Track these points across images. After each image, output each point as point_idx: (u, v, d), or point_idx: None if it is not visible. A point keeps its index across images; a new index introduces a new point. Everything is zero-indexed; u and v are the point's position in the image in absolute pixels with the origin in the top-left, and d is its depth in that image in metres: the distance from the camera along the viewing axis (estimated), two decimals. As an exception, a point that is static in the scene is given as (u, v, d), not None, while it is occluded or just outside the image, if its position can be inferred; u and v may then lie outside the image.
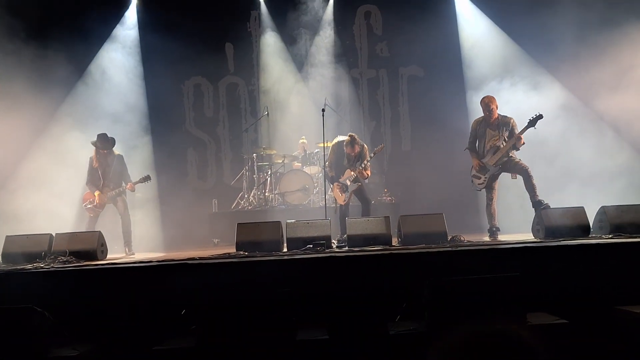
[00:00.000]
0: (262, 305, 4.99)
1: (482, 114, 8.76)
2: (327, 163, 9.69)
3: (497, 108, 8.67)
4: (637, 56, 10.40)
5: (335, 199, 9.67)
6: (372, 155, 9.47)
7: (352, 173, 9.34)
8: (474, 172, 8.82)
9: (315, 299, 5.80)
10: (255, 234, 7.54)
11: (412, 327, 5.08)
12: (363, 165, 9.32)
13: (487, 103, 8.67)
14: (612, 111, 10.49)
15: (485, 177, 8.69)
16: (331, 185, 9.69)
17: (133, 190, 9.55)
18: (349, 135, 9.39)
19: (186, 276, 6.14)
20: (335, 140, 9.72)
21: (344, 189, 9.39)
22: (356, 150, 9.30)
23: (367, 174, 9.45)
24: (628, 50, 10.41)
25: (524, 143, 8.44)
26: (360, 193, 9.49)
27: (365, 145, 9.54)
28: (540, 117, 8.29)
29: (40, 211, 10.25)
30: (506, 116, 8.68)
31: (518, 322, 4.80)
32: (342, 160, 9.47)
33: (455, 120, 11.51)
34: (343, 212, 9.37)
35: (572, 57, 10.67)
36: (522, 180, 8.37)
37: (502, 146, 8.51)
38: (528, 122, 8.32)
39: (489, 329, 1.59)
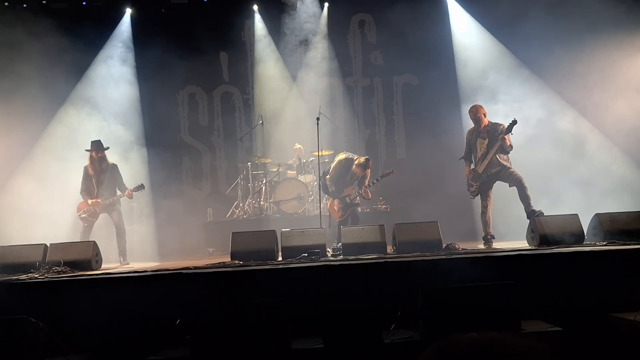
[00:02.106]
0: (257, 314, 4.99)
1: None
2: (327, 176, 9.63)
3: (485, 116, 8.69)
4: (627, 64, 10.47)
5: (330, 213, 9.66)
6: (379, 178, 9.50)
7: (354, 192, 9.34)
8: (468, 180, 8.88)
9: (310, 307, 5.80)
10: (250, 243, 7.53)
11: (407, 335, 5.08)
12: (372, 185, 9.33)
13: (475, 112, 8.73)
14: (605, 118, 10.55)
15: (477, 185, 8.72)
16: (327, 198, 9.68)
17: (131, 197, 9.54)
18: (366, 158, 9.37)
19: (181, 286, 6.14)
20: (344, 156, 9.60)
21: (344, 207, 9.39)
22: (364, 172, 9.31)
23: (370, 196, 9.45)
24: (622, 58, 10.48)
25: (510, 144, 8.44)
26: (353, 211, 9.53)
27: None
28: (514, 122, 8.32)
29: (34, 221, 10.25)
30: (497, 123, 8.70)
31: (513, 330, 4.81)
32: (346, 176, 9.45)
33: (450, 128, 11.56)
34: (341, 225, 9.36)
35: (566, 65, 10.74)
36: (516, 190, 8.40)
37: (489, 152, 8.54)
38: (506, 129, 8.37)
39: (483, 336, 1.59)
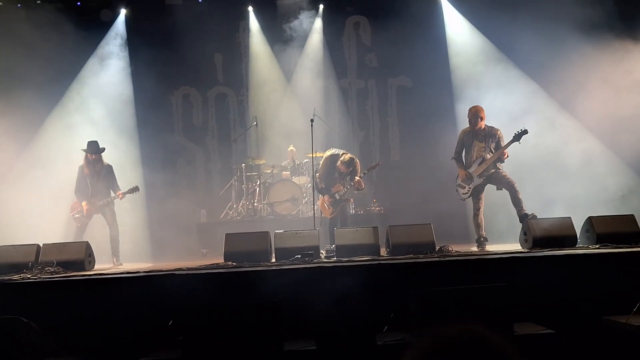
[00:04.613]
0: (250, 315, 4.98)
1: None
2: (317, 174, 9.64)
3: (484, 119, 8.70)
4: (620, 66, 10.50)
5: (321, 211, 9.65)
6: (366, 171, 9.46)
7: (342, 188, 9.32)
8: (458, 181, 8.87)
9: (303, 309, 5.80)
10: (243, 244, 7.52)
11: (400, 337, 5.08)
12: (363, 175, 9.30)
13: (475, 113, 8.70)
14: (599, 120, 10.56)
15: (470, 188, 8.72)
16: (319, 196, 9.67)
17: (122, 198, 9.52)
18: (350, 157, 9.30)
19: (174, 287, 6.13)
20: (329, 153, 9.61)
21: (334, 203, 9.37)
22: (349, 170, 9.27)
23: (363, 186, 9.43)
24: (618, 60, 10.51)
25: (507, 156, 8.53)
26: (342, 207, 9.53)
27: (358, 160, 9.50)
28: (525, 132, 8.37)
29: (27, 221, 10.21)
30: (493, 127, 8.71)
31: (505, 332, 4.82)
32: (334, 172, 9.43)
33: (444, 130, 11.54)
34: (332, 222, 9.37)
35: (561, 67, 10.76)
36: (508, 194, 8.43)
37: (487, 157, 8.56)
38: (513, 137, 8.40)
39: (465, 334, 1.60)
